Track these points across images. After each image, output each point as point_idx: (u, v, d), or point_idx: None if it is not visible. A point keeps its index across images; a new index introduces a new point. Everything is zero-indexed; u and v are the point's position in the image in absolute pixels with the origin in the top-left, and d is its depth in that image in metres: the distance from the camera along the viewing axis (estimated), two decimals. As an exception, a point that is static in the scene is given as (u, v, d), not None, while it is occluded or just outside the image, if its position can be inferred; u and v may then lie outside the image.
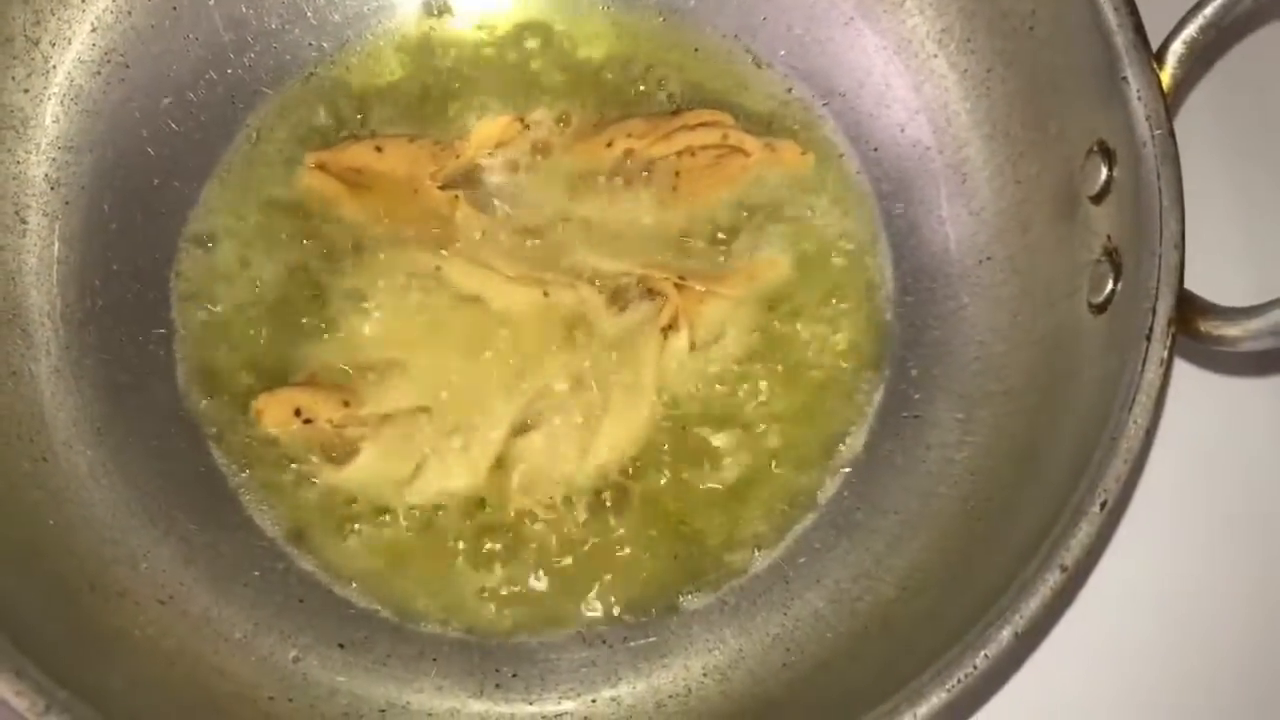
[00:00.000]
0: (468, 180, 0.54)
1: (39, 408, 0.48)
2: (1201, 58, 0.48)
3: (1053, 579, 0.40)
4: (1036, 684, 0.50)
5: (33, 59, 0.51)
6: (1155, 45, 0.46)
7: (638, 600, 0.49)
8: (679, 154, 0.54)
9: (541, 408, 0.51)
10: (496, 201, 0.54)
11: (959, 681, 0.39)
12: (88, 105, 0.52)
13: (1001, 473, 0.48)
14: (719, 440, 0.51)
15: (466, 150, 0.54)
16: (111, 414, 0.50)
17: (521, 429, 0.51)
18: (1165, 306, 0.43)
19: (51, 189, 0.51)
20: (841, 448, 0.51)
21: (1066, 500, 0.41)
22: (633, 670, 0.48)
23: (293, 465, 0.50)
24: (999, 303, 0.51)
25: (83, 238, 0.51)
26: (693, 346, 0.52)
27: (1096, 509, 0.40)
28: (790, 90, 0.56)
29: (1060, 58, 0.49)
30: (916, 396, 0.52)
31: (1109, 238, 0.47)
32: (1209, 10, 0.47)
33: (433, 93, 0.56)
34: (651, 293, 0.52)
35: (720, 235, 0.54)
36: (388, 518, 0.50)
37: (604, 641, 0.49)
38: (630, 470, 0.50)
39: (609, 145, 0.54)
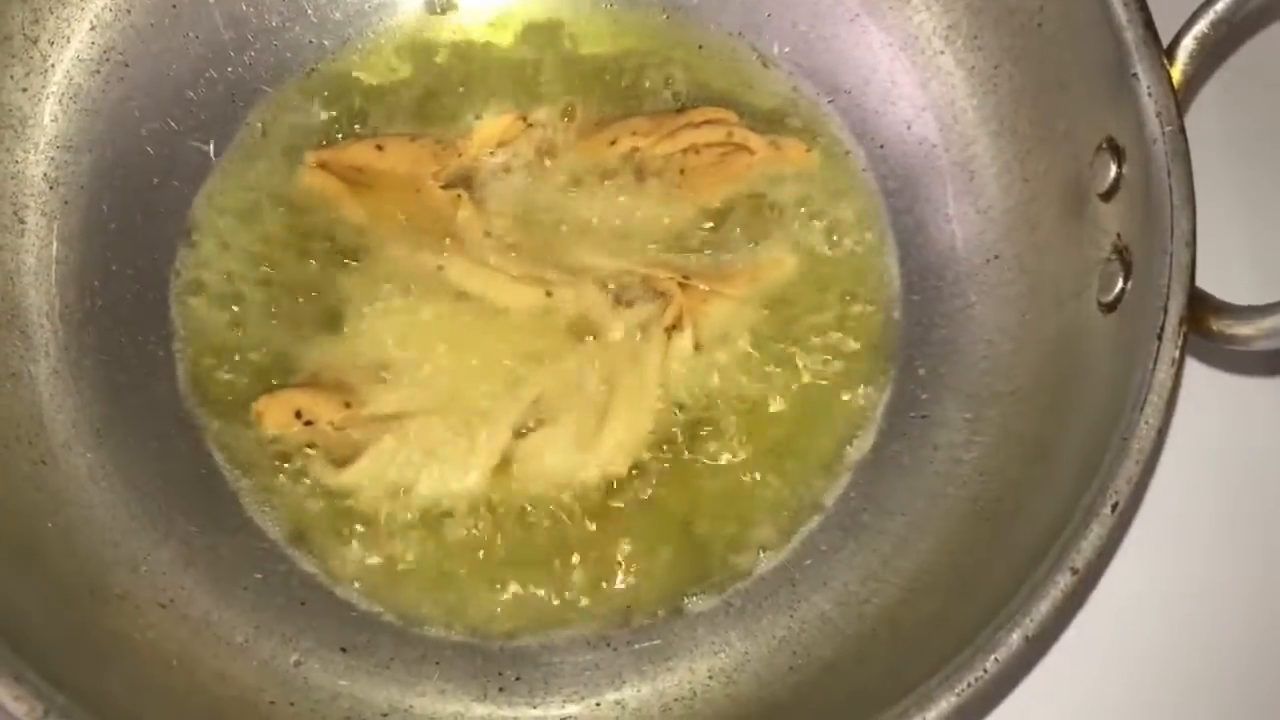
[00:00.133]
0: (470, 179, 0.54)
1: (38, 409, 0.48)
2: (1212, 54, 0.47)
3: (1063, 581, 0.40)
4: (1047, 688, 0.50)
5: (31, 57, 0.51)
6: (1165, 41, 0.46)
7: (642, 602, 0.49)
8: (683, 152, 0.54)
9: (545, 408, 0.51)
10: (499, 201, 0.54)
11: (968, 685, 0.39)
12: (86, 104, 0.52)
13: (1010, 473, 0.47)
14: (724, 441, 0.51)
15: (469, 149, 0.54)
16: (111, 415, 0.49)
17: (524, 430, 0.50)
18: (1177, 305, 0.42)
19: (50, 188, 0.51)
20: (848, 448, 0.51)
21: (1077, 501, 0.41)
22: (637, 673, 0.48)
23: (294, 467, 0.50)
24: (1007, 301, 0.51)
25: (82, 237, 0.51)
26: (697, 346, 0.52)
27: (1108, 510, 0.40)
28: (795, 87, 0.56)
29: (1069, 54, 0.49)
30: (924, 396, 0.51)
31: (1119, 236, 0.46)
32: (1220, 6, 0.46)
33: (435, 91, 0.55)
34: (655, 292, 0.52)
35: (725, 234, 0.54)
36: (390, 520, 0.49)
37: (608, 644, 0.48)
38: (634, 471, 0.50)
39: (612, 144, 0.54)
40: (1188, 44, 0.46)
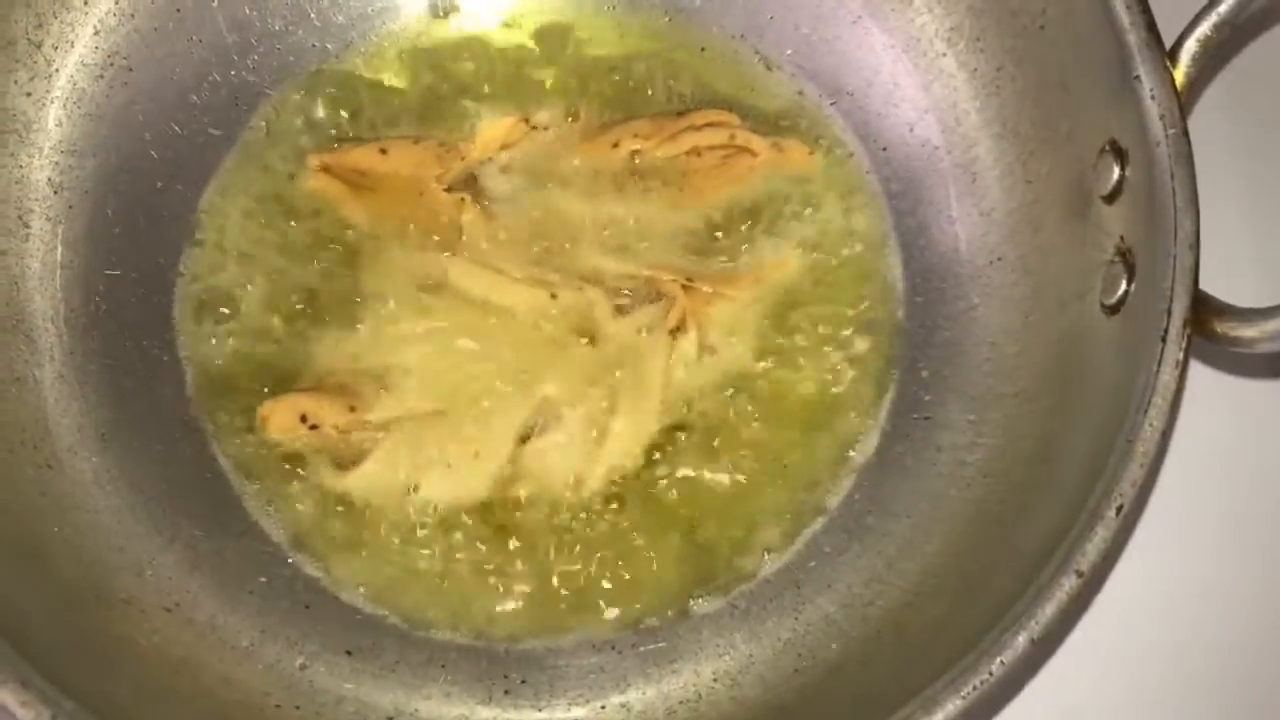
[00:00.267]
0: (473, 182, 0.54)
1: (43, 414, 0.48)
2: (1215, 56, 0.47)
3: (1068, 584, 0.39)
4: (1052, 691, 0.49)
5: (35, 62, 0.51)
6: (1168, 43, 0.46)
7: (647, 605, 0.49)
8: (685, 155, 0.54)
9: (549, 411, 0.51)
10: (502, 203, 0.54)
11: (974, 689, 0.39)
12: (91, 109, 0.52)
13: (1014, 475, 0.47)
14: (728, 443, 0.51)
15: (472, 152, 0.54)
16: (116, 420, 0.49)
17: (529, 433, 0.50)
18: (1180, 307, 0.42)
19: (55, 193, 0.51)
20: (852, 450, 0.51)
21: (1081, 504, 0.41)
22: (642, 676, 0.48)
23: (299, 471, 0.50)
24: (1010, 303, 0.51)
25: (86, 242, 0.51)
26: (701, 349, 0.52)
27: (1112, 513, 0.40)
28: (798, 90, 0.56)
29: (1071, 56, 0.49)
30: (927, 398, 0.51)
31: (1122, 238, 0.46)
32: (1223, 8, 0.46)
33: (437, 94, 0.55)
34: (659, 295, 0.52)
35: (728, 236, 0.54)
36: (395, 523, 0.49)
37: (613, 647, 0.48)
38: (639, 474, 0.50)
39: (615, 146, 0.54)
40: (1190, 46, 0.46)
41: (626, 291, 0.52)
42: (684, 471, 0.50)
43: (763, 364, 0.52)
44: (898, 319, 0.53)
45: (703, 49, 0.56)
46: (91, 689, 0.40)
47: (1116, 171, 0.46)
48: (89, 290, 0.51)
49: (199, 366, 0.51)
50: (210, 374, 0.51)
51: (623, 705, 0.48)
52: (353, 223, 0.53)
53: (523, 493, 0.50)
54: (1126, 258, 0.46)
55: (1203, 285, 0.43)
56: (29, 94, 0.51)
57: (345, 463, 0.50)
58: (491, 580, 0.49)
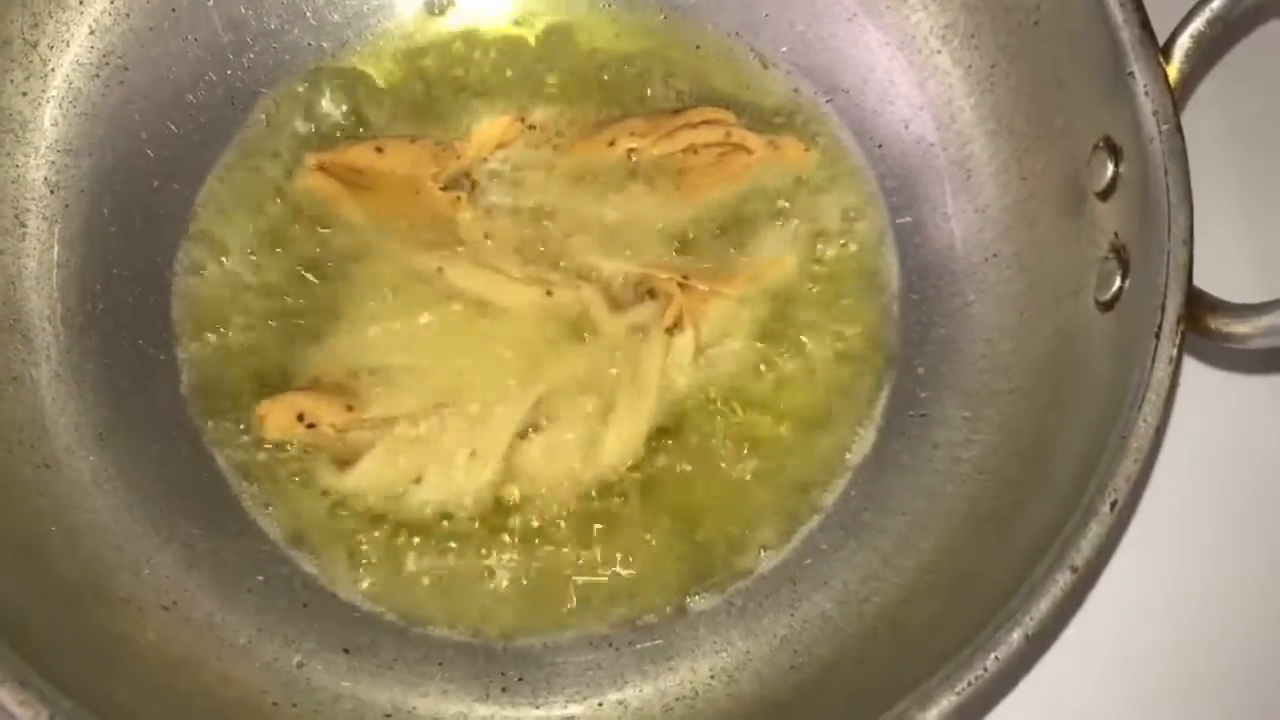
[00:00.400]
0: (469, 181, 0.54)
1: (40, 413, 0.48)
2: (1208, 52, 0.47)
3: (1063, 580, 0.40)
4: (1047, 686, 0.50)
5: (31, 62, 0.51)
6: (1162, 40, 0.46)
7: (644, 602, 0.49)
8: (682, 152, 0.54)
9: (546, 410, 0.51)
10: (498, 202, 0.54)
11: (969, 684, 0.39)
12: (86, 108, 0.52)
13: (1010, 472, 0.47)
14: (724, 441, 0.51)
15: (468, 151, 0.54)
16: (113, 419, 0.49)
17: (526, 431, 0.50)
18: (1174, 303, 0.42)
19: (51, 193, 0.51)
20: (848, 448, 0.51)
21: (1076, 500, 0.41)
22: (639, 673, 0.48)
23: (296, 470, 0.50)
24: (1005, 300, 0.51)
25: (83, 241, 0.51)
26: (697, 347, 0.52)
27: (1106, 509, 0.40)
28: (793, 87, 0.56)
29: (1065, 53, 0.49)
30: (923, 395, 0.52)
31: (1116, 234, 0.46)
32: (1215, 4, 0.46)
33: (434, 93, 0.55)
34: (655, 293, 0.52)
35: (723, 234, 0.54)
36: (392, 521, 0.49)
37: (610, 644, 0.49)
38: (636, 472, 0.50)
39: (611, 144, 0.54)
40: (1184, 42, 0.47)
41: (623, 290, 0.52)
42: (681, 469, 0.50)
43: (759, 362, 0.52)
44: (893, 316, 0.53)
45: (698, 47, 0.56)
46: (90, 688, 0.40)
47: (1110, 168, 0.47)
48: (85, 289, 0.51)
49: (196, 365, 0.51)
50: (207, 373, 0.51)
51: (620, 702, 0.48)
52: (349, 222, 0.53)
53: (519, 491, 0.50)
54: (1121, 254, 0.46)
55: (1196, 281, 0.43)
56: (25, 93, 0.51)
57: (342, 461, 0.50)
58: (488, 578, 0.49)
